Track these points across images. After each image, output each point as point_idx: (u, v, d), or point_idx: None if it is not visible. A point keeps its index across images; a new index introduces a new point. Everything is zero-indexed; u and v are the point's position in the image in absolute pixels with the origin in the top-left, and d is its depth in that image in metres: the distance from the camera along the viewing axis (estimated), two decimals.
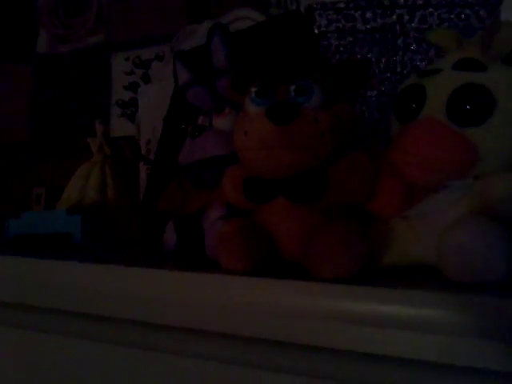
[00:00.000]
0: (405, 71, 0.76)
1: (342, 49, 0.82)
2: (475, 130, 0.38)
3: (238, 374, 0.39)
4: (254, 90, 0.39)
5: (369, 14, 0.76)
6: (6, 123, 1.30)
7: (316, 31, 0.75)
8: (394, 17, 0.74)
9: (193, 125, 0.51)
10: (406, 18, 0.76)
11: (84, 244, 0.58)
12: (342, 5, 0.73)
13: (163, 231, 0.52)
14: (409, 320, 0.32)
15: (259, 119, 0.38)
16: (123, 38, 1.18)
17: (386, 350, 0.33)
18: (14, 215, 0.59)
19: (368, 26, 0.81)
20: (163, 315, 0.41)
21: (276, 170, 0.39)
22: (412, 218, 0.42)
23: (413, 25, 0.77)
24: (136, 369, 0.43)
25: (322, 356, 0.36)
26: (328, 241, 0.36)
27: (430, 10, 0.72)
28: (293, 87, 0.38)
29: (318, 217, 0.40)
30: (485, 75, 0.39)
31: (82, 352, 0.46)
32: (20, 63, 1.31)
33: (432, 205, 0.41)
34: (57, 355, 0.48)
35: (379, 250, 0.42)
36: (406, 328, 0.32)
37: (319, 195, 0.39)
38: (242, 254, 0.39)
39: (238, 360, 0.39)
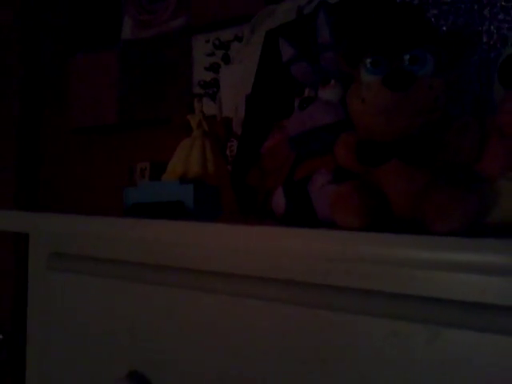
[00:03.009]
0: (491, 41, 0.77)
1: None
2: None
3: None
4: (369, 60, 0.43)
5: None
6: (96, 108, 1.39)
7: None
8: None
9: (300, 97, 0.55)
10: None
11: (196, 211, 0.64)
12: None
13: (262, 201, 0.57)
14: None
15: (376, 87, 0.42)
16: (203, 21, 1.24)
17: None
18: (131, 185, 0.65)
19: None
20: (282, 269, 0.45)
21: (393, 134, 0.42)
22: None
23: None
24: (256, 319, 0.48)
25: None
26: (444, 197, 0.40)
27: None
28: (407, 56, 0.42)
29: (429, 177, 0.43)
30: None
31: (206, 304, 0.52)
32: (106, 50, 1.39)
33: None
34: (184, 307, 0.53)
35: (486, 209, 0.45)
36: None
37: (432, 157, 0.42)
38: (359, 211, 0.43)
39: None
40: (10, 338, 1.59)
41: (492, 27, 0.77)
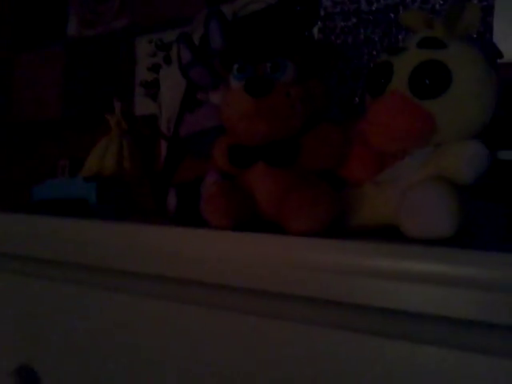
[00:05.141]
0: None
1: (346, 30, 0.86)
2: (433, 102, 0.43)
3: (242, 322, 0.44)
4: (236, 66, 0.45)
5: None
6: (41, 104, 1.39)
7: (322, 13, 0.79)
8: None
9: (191, 100, 0.56)
10: None
11: (99, 209, 0.65)
12: None
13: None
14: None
15: (239, 92, 0.43)
16: (146, 22, 1.24)
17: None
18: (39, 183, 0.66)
19: (372, 8, 0.84)
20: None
21: (254, 138, 0.44)
22: (381, 182, 0.47)
23: (415, 4, 0.80)
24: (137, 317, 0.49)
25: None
26: (298, 199, 0.42)
27: None
28: (269, 64, 0.43)
29: (292, 180, 0.45)
30: (444, 52, 0.43)
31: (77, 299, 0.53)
32: (51, 47, 1.39)
33: (399, 171, 0.46)
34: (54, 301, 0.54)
35: (350, 212, 0.47)
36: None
37: (293, 160, 0.44)
38: (225, 213, 0.44)
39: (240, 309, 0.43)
40: None
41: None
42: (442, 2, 0.77)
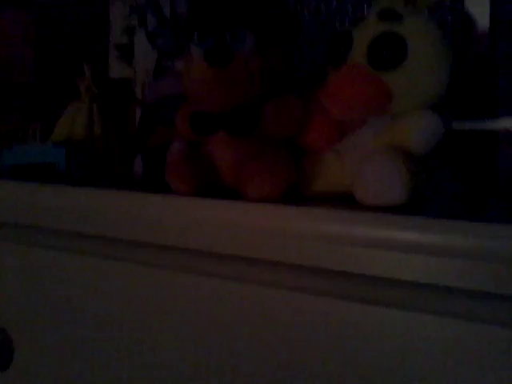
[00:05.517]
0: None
1: None
2: (390, 74, 0.43)
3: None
4: (196, 34, 0.45)
5: None
6: (11, 65, 1.37)
7: None
8: None
9: (156, 67, 0.57)
10: None
11: (68, 174, 0.65)
12: None
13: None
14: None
15: (198, 61, 0.44)
16: None
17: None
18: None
19: None
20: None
21: (213, 107, 0.45)
22: (340, 151, 0.48)
23: None
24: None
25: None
26: (255, 167, 0.43)
27: None
28: (228, 33, 0.44)
29: (252, 148, 0.46)
30: (401, 25, 0.44)
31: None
32: (22, 9, 1.36)
33: (356, 139, 0.47)
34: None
35: (310, 179, 0.48)
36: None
37: (252, 129, 0.45)
38: (185, 179, 0.46)
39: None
40: None
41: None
42: None
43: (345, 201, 0.44)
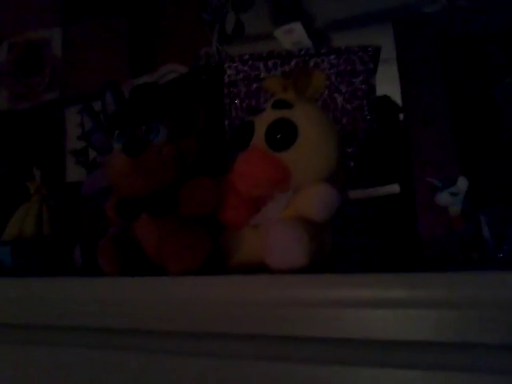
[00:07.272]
0: None
1: (249, 94, 0.94)
2: (285, 153, 0.50)
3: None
4: (116, 131, 0.52)
5: (270, 64, 0.87)
6: None
7: (226, 80, 0.88)
8: (292, 64, 0.85)
9: (91, 163, 0.63)
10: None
11: (15, 270, 0.69)
12: (246, 56, 0.85)
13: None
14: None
15: (118, 153, 0.50)
16: (75, 94, 1.32)
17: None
18: None
19: (270, 74, 0.93)
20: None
21: (133, 192, 0.50)
22: (256, 224, 0.53)
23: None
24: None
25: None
26: (174, 244, 0.48)
27: (322, 57, 0.82)
28: (143, 127, 0.50)
29: (172, 227, 0.51)
30: (291, 112, 0.51)
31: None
32: None
33: (266, 213, 0.52)
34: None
35: (230, 252, 0.53)
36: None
37: (171, 210, 0.51)
38: (112, 261, 0.50)
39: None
40: None
41: None
42: (329, 66, 0.85)
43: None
